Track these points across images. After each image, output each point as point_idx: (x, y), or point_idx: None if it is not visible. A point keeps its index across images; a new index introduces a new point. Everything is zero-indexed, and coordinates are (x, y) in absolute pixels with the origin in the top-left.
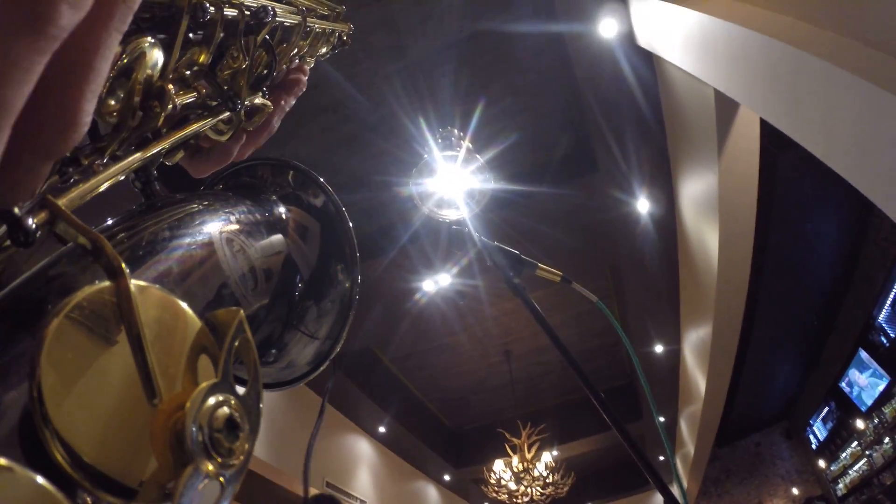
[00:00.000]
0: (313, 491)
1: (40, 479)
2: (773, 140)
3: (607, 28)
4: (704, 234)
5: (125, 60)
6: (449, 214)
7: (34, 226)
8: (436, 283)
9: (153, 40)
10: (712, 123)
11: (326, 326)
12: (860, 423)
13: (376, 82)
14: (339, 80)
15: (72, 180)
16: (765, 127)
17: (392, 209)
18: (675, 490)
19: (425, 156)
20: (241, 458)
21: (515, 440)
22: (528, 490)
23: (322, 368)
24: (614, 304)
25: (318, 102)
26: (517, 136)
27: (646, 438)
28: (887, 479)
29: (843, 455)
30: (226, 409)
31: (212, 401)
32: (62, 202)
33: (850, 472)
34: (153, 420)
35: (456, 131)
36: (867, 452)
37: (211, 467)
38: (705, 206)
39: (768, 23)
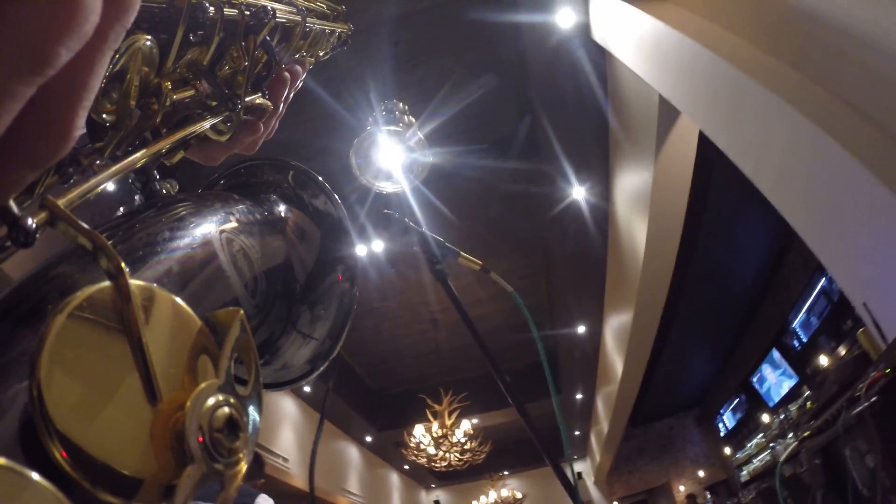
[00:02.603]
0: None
1: (40, 479)
2: (712, 146)
3: (565, 18)
4: (634, 226)
5: (120, 59)
6: (387, 186)
7: (34, 226)
8: (368, 249)
9: (148, 37)
10: (653, 125)
11: (326, 326)
12: (766, 418)
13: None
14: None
15: (72, 180)
16: (704, 134)
17: (330, 175)
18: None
19: (369, 126)
20: (242, 458)
21: (437, 406)
22: (447, 455)
23: (322, 368)
24: (543, 282)
25: None
26: (462, 111)
27: (563, 413)
28: (787, 471)
29: (749, 445)
30: (226, 410)
31: (212, 401)
32: (62, 202)
33: (754, 461)
34: (153, 420)
35: (400, 104)
36: (771, 445)
37: (211, 467)
38: (638, 201)
39: (718, 40)
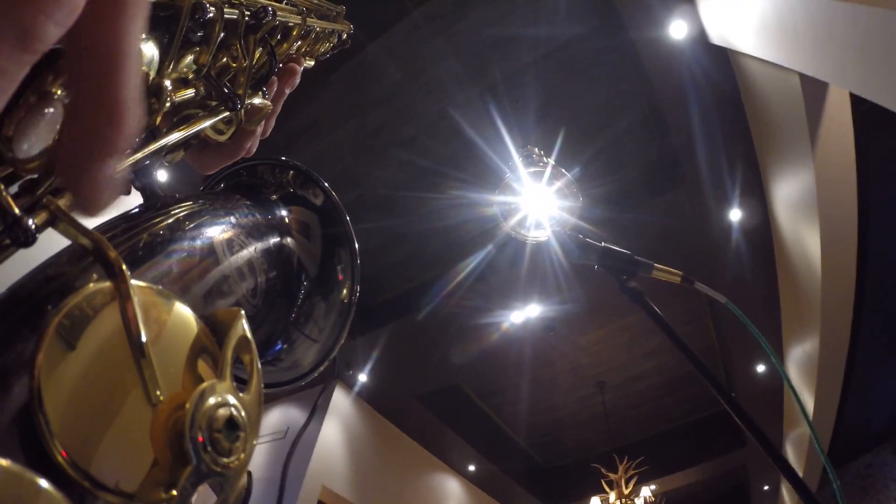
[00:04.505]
0: None
1: (40, 479)
2: (864, 123)
3: (677, 30)
4: (804, 238)
5: None
6: (535, 235)
7: (34, 226)
8: (524, 314)
9: (145, 36)
10: (801, 114)
11: (327, 327)
12: None
13: (451, 112)
14: (415, 113)
15: None
16: (859, 109)
17: (475, 240)
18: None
19: (507, 174)
20: (241, 458)
21: (612, 475)
22: None
23: (321, 369)
24: (709, 323)
25: (393, 137)
26: (599, 153)
27: (748, 468)
28: None
29: None
30: (226, 410)
31: (212, 401)
32: (62, 202)
33: None
34: (153, 420)
35: (536, 149)
36: None
37: (210, 467)
38: (803, 207)
39: None
